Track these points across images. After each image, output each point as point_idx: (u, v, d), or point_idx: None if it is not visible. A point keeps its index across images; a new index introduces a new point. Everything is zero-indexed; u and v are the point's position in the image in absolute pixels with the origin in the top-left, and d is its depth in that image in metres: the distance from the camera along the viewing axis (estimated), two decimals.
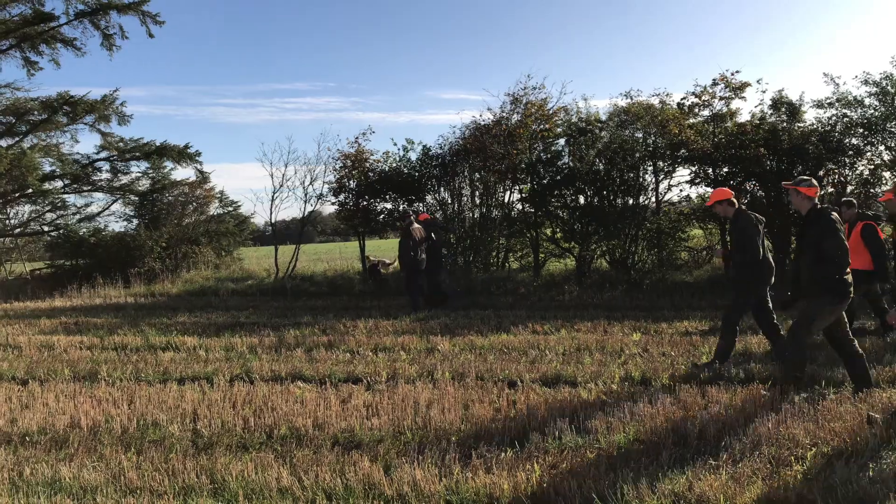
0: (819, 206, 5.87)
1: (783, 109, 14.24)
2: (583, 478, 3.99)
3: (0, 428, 5.46)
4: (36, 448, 4.95)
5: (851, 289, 5.71)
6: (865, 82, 13.06)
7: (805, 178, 5.92)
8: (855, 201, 8.77)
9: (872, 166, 13.33)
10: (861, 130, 13.12)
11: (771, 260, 7.02)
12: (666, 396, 5.59)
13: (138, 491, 4.11)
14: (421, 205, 15.66)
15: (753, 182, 13.83)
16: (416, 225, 12.04)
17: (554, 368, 6.73)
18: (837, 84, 13.43)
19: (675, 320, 9.46)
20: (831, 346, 5.93)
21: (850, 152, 13.29)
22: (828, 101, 13.51)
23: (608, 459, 4.29)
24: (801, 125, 13.82)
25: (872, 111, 12.98)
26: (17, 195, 19.65)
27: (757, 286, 6.90)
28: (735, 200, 7.09)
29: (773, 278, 7.00)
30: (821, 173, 13.54)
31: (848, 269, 5.70)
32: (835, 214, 5.77)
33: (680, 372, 6.40)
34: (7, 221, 21.60)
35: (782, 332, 6.80)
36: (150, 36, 19.04)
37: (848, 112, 13.27)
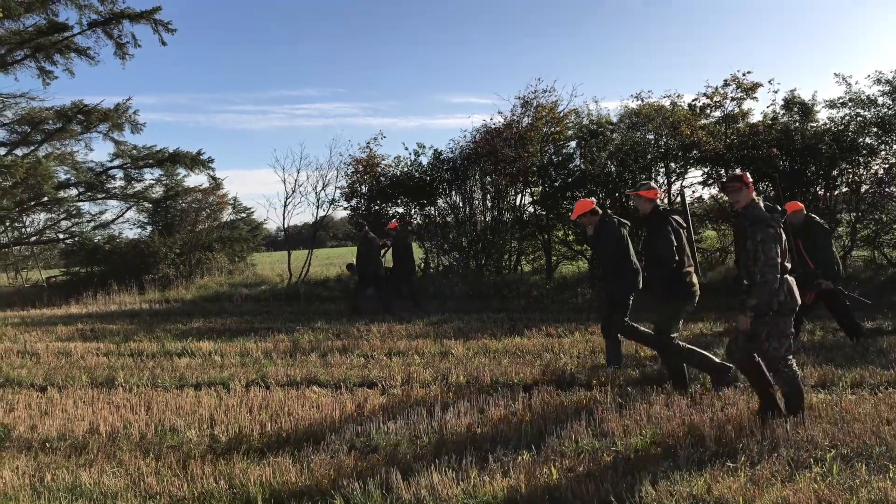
0: (659, 208, 6.02)
1: (795, 109, 14.15)
2: (600, 481, 3.98)
3: (20, 434, 5.51)
4: (56, 454, 5.00)
5: (695, 289, 5.92)
6: (878, 81, 12.95)
7: (644, 182, 5.98)
8: (802, 206, 8.67)
9: (887, 165, 13.22)
10: (875, 129, 13.01)
11: (637, 264, 6.95)
12: (682, 398, 5.57)
13: (158, 496, 4.15)
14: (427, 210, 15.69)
15: (766, 182, 13.75)
16: (371, 234, 12.46)
17: (569, 371, 6.72)
18: (849, 84, 13.33)
19: (689, 322, 9.42)
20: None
21: (864, 151, 13.18)
22: (840, 100, 13.40)
23: (625, 462, 4.28)
24: (814, 125, 13.72)
25: (886, 110, 12.88)
26: (32, 203, 19.86)
27: (624, 290, 6.78)
28: (598, 209, 7.06)
29: (640, 282, 6.96)
30: (834, 173, 13.45)
31: (689, 270, 5.90)
32: (676, 218, 6.05)
33: (696, 374, 6.37)
34: (23, 229, 21.83)
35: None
36: (163, 44, 19.21)
37: (861, 111, 13.16)
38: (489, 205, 15.72)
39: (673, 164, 14.43)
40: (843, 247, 13.59)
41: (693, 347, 6.03)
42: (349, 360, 7.85)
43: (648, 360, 7.19)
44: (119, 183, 21.65)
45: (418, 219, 16.07)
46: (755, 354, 4.98)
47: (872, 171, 13.45)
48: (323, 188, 16.94)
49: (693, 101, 14.70)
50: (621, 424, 4.96)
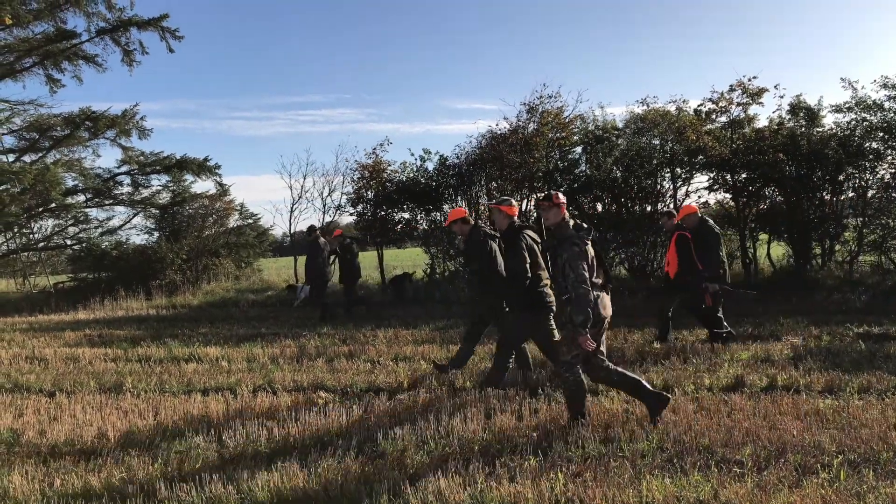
0: (515, 224, 6.17)
1: (801, 114, 14.14)
2: (607, 486, 3.99)
3: (30, 439, 5.55)
4: (65, 459, 5.03)
5: (550, 302, 6.08)
6: (884, 86, 12.93)
7: (506, 198, 6.11)
8: (674, 212, 9.28)
9: (894, 170, 13.20)
10: (881, 134, 13.00)
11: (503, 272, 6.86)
12: (689, 403, 5.57)
13: (166, 501, 4.17)
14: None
15: (772, 188, 13.74)
16: (322, 239, 12.81)
17: None
18: (855, 88, 13.33)
19: (696, 327, 9.40)
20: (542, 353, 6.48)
21: (871, 156, 13.17)
22: (846, 105, 13.39)
23: (632, 467, 4.28)
24: (820, 130, 13.71)
25: (892, 115, 12.86)
26: (40, 209, 19.96)
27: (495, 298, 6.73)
28: (469, 219, 7.22)
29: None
30: (841, 177, 13.44)
31: (543, 283, 6.12)
32: (531, 233, 6.27)
33: (702, 379, 6.37)
34: (31, 235, 21.95)
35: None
36: (171, 51, 19.33)
37: (867, 116, 13.15)
38: None
39: (679, 170, 14.43)
40: (849, 252, 13.57)
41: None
42: (355, 366, 7.87)
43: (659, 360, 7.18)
44: (126, 189, 21.76)
45: (424, 224, 16.10)
46: (604, 365, 5.23)
47: (879, 175, 13.45)
48: (329, 194, 17.04)
49: (699, 106, 14.71)
50: (628, 430, 4.96)
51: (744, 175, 13.80)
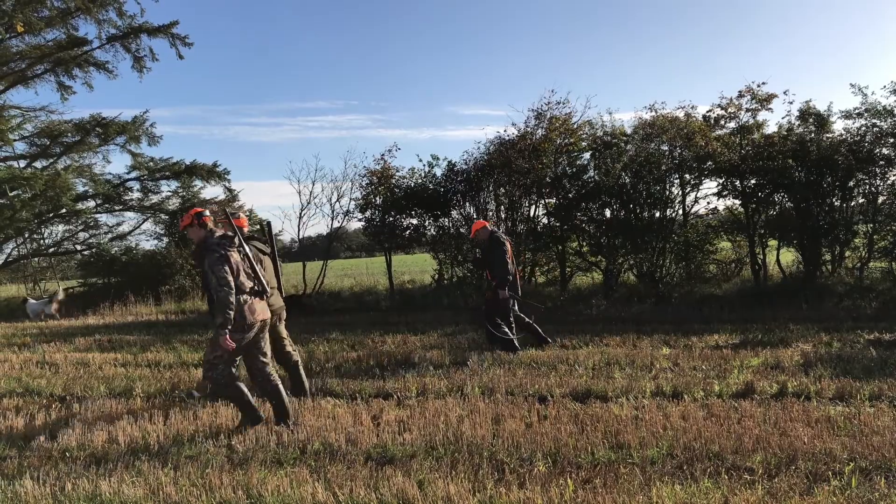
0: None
1: (811, 120, 14.10)
2: (616, 492, 3.98)
3: (41, 444, 5.58)
4: (76, 463, 5.05)
5: (271, 309, 6.02)
6: (894, 92, 12.89)
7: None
8: (486, 223, 9.60)
9: None
10: (892, 140, 12.94)
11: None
12: (699, 410, 5.56)
13: None
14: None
15: (782, 194, 13.69)
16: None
17: (584, 383, 6.71)
18: (865, 94, 13.28)
19: (705, 334, 9.38)
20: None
21: (881, 162, 13.12)
22: (856, 111, 13.35)
23: (642, 474, 4.27)
24: (830, 136, 13.65)
25: None
26: (51, 215, 20.11)
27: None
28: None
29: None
30: (851, 184, 13.38)
31: (269, 292, 6.04)
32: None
33: (712, 385, 6.35)
34: (41, 241, 22.08)
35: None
36: (180, 57, 19.48)
37: (878, 122, 13.09)
38: (503, 216, 15.75)
39: (687, 176, 14.41)
40: (860, 258, 13.50)
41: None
42: (364, 371, 7.88)
43: (666, 368, 7.16)
44: (136, 195, 21.91)
45: (432, 230, 16.11)
46: (265, 370, 5.67)
47: (889, 181, 13.38)
48: (338, 199, 17.04)
49: (707, 112, 14.69)
50: (637, 436, 4.95)
51: (753, 181, 13.75)
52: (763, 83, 13.96)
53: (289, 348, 6.74)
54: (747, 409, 5.52)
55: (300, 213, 17.36)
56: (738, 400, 5.86)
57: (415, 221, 16.17)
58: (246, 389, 5.68)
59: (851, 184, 13.38)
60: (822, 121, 13.98)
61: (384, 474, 4.47)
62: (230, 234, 5.62)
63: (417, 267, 21.74)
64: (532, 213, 15.64)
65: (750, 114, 14.32)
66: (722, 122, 14.56)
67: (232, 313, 5.25)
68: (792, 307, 11.33)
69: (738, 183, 13.92)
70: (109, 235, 21.83)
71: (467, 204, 15.61)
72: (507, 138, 15.16)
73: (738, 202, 14.36)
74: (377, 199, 16.22)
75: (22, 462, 5.14)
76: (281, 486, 4.31)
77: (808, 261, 13.60)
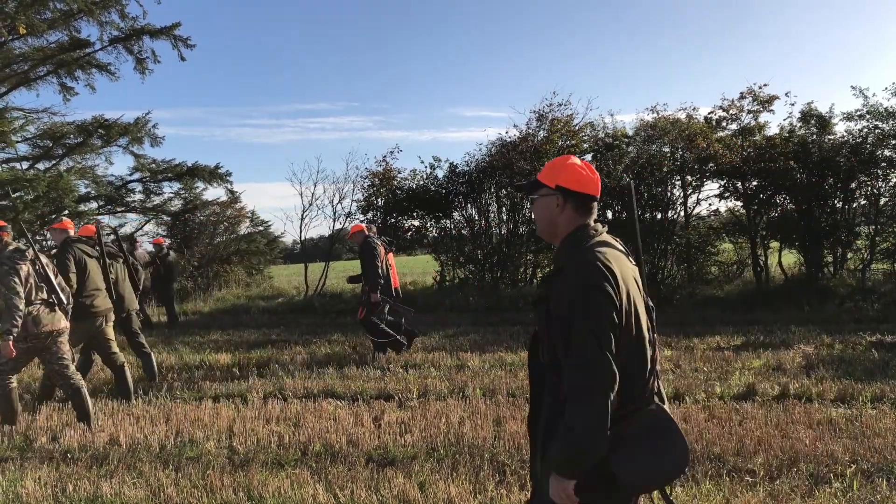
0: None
1: (813, 122, 14.08)
2: None
3: (42, 445, 5.58)
4: (77, 465, 5.06)
5: (94, 311, 6.77)
6: None
7: (55, 216, 6.34)
8: (374, 227, 10.25)
9: None
10: (893, 142, 12.93)
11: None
12: (700, 412, 5.55)
13: None
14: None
15: (783, 195, 13.68)
16: (140, 250, 13.43)
17: None
18: (867, 96, 13.27)
19: (707, 335, 9.38)
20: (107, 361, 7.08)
21: (883, 164, 13.11)
22: (858, 112, 13.34)
23: None
24: (832, 137, 13.64)
25: None
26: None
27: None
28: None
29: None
30: (853, 185, 13.38)
31: (94, 294, 6.79)
32: (83, 247, 6.90)
33: (713, 387, 6.34)
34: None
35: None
36: (182, 59, 19.40)
37: (879, 123, 13.08)
38: (505, 217, 15.76)
39: (689, 177, 14.40)
40: (862, 260, 13.48)
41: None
42: (366, 373, 7.88)
43: (670, 370, 7.15)
44: (138, 196, 21.83)
45: (434, 231, 16.14)
46: (66, 374, 5.97)
47: (891, 183, 13.37)
48: (340, 201, 17.07)
49: (709, 113, 14.68)
50: None
51: (754, 183, 13.74)
52: (765, 85, 13.98)
53: (114, 350, 7.06)
54: (749, 411, 5.51)
55: (302, 215, 17.41)
56: (739, 402, 5.86)
57: (416, 223, 16.19)
58: (15, 398, 6.01)
59: (853, 185, 13.38)
60: (823, 122, 13.97)
61: (385, 476, 4.47)
62: (23, 248, 5.91)
63: (419, 268, 21.75)
64: (527, 213, 15.63)
65: (751, 115, 14.31)
66: (723, 124, 14.55)
67: (19, 322, 5.50)
68: (794, 309, 11.32)
69: (739, 184, 13.91)
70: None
71: (469, 205, 15.62)
72: (508, 140, 15.18)
73: (739, 204, 14.36)
74: (379, 200, 16.25)
75: (23, 463, 5.14)
76: (282, 487, 4.32)
77: (809, 263, 13.58)
